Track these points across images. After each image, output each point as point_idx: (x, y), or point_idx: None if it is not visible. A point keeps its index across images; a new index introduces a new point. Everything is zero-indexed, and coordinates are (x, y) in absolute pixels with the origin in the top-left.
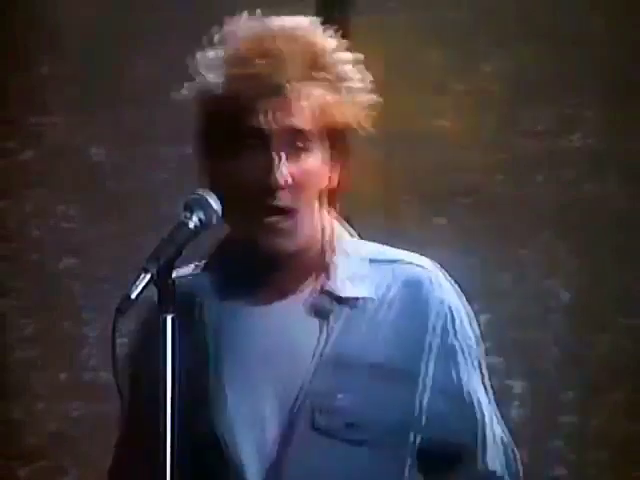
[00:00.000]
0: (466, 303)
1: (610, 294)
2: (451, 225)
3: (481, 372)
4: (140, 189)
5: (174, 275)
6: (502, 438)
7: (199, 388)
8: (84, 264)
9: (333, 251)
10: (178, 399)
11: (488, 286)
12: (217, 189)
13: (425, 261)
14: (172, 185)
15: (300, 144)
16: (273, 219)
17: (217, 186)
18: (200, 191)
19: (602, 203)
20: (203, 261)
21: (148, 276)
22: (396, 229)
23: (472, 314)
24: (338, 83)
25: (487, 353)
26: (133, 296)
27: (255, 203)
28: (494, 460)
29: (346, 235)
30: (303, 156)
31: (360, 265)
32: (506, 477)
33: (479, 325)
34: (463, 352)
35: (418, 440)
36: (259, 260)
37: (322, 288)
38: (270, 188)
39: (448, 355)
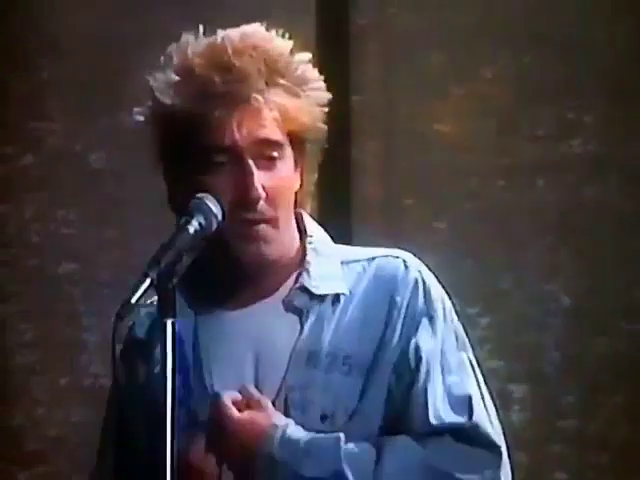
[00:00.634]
0: (444, 295)
1: (611, 298)
2: (451, 229)
3: (442, 341)
4: (140, 195)
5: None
6: (451, 389)
7: (184, 393)
8: (84, 269)
9: (308, 251)
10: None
11: (488, 290)
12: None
13: (403, 254)
14: None
15: (273, 154)
16: (256, 229)
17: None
18: (200, 195)
19: (603, 208)
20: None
21: (148, 281)
22: (396, 233)
23: (449, 303)
24: (297, 87)
25: (487, 357)
26: (133, 301)
27: (234, 217)
28: (440, 414)
29: (320, 236)
30: (278, 165)
31: (333, 266)
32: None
33: (479, 329)
34: (431, 321)
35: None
36: (240, 268)
37: (298, 285)
38: (249, 203)
39: (411, 326)
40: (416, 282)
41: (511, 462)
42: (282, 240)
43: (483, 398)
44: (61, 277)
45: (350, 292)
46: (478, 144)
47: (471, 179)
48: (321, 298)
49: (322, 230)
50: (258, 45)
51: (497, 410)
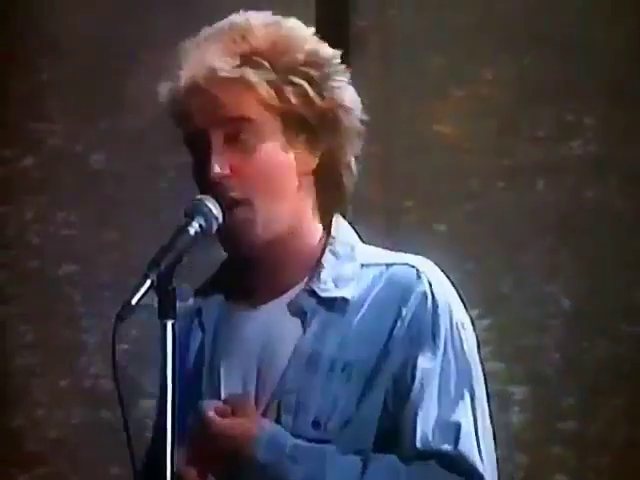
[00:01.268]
0: (461, 308)
1: (611, 300)
2: (451, 231)
3: (443, 360)
4: (140, 196)
5: None
6: (440, 417)
7: (195, 393)
8: (84, 271)
9: (325, 253)
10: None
11: (488, 292)
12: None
13: (421, 263)
14: (172, 192)
15: (244, 135)
16: (229, 213)
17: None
18: (199, 197)
19: (603, 209)
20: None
21: (148, 282)
22: (396, 235)
23: (467, 320)
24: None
25: (488, 359)
26: (133, 302)
27: (215, 199)
28: (427, 436)
29: (345, 237)
30: (253, 146)
31: (349, 269)
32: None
33: (479, 331)
34: (434, 339)
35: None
36: (243, 261)
37: (306, 287)
38: (211, 183)
39: (413, 341)
40: (424, 296)
41: (511, 463)
42: (261, 225)
43: (476, 429)
44: (61, 279)
45: (360, 297)
46: (478, 145)
47: (471, 180)
48: (328, 302)
49: (351, 231)
50: (232, 33)
51: (496, 414)
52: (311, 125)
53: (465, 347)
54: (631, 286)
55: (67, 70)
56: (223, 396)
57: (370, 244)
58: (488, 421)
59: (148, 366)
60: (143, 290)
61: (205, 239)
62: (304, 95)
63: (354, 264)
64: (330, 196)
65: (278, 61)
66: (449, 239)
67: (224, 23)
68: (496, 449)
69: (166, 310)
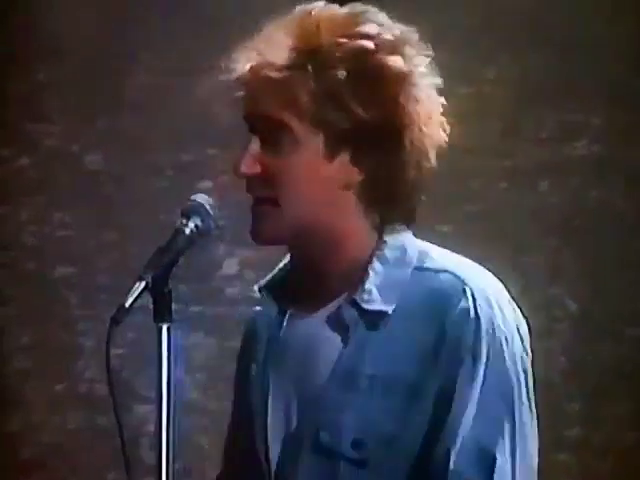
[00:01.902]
0: (510, 319)
1: (616, 303)
2: (454, 232)
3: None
4: (137, 197)
5: None
6: (478, 442)
7: (249, 403)
8: (81, 273)
9: (373, 260)
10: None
11: None
12: None
13: (470, 274)
14: (170, 193)
15: (280, 139)
16: (254, 209)
17: None
18: (196, 197)
19: (606, 210)
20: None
21: (143, 284)
22: None
23: (514, 332)
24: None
25: None
26: (127, 305)
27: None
28: (460, 462)
29: (398, 241)
30: (287, 152)
31: (396, 274)
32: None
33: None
34: (474, 362)
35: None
36: (298, 270)
37: (348, 298)
38: (238, 177)
39: (454, 361)
40: (467, 313)
41: None
42: (288, 225)
43: (514, 467)
44: (57, 280)
45: (404, 307)
46: (481, 146)
47: (474, 181)
48: (370, 314)
49: (405, 232)
50: (290, 26)
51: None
52: (356, 139)
53: (508, 364)
54: (636, 289)
55: (65, 70)
56: (269, 406)
57: None
58: (530, 457)
59: (143, 370)
60: (137, 292)
61: (202, 239)
62: (347, 109)
63: (404, 270)
64: (384, 209)
65: (325, 71)
66: (452, 240)
67: (298, 10)
68: None
69: (162, 313)
